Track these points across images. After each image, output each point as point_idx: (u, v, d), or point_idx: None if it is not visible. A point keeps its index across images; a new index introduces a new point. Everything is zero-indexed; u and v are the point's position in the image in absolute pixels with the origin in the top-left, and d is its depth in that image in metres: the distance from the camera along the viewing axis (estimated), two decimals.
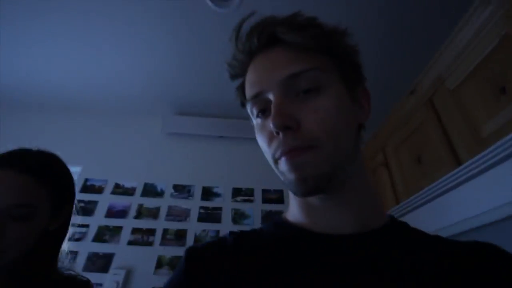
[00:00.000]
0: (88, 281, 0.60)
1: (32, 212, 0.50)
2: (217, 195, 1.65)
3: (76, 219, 0.64)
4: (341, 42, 0.36)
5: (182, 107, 1.87)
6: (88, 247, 1.41)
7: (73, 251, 0.63)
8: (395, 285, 0.29)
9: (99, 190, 1.61)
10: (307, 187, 0.31)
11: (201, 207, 1.59)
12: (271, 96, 0.33)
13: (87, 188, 1.60)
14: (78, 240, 1.41)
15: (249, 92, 0.36)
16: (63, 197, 0.58)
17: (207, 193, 1.65)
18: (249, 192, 1.66)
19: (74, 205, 0.63)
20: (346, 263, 0.31)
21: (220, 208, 1.59)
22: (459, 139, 0.90)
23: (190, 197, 1.63)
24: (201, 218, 1.56)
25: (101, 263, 1.37)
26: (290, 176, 0.32)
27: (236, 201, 1.63)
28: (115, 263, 1.38)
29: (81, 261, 1.37)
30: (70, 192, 0.61)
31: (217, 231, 1.51)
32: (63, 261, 0.61)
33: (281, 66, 0.33)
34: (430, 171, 1.03)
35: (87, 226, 1.44)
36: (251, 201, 1.63)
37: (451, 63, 0.95)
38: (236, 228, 1.52)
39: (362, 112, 0.37)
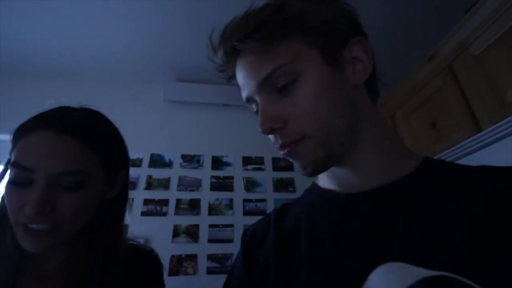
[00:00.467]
0: (152, 250, 0.58)
1: (83, 180, 0.43)
2: (228, 164, 1.64)
3: None
4: (307, 17, 0.35)
5: (184, 73, 1.76)
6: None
7: None
8: (391, 238, 0.30)
9: (138, 164, 1.56)
10: (308, 172, 0.35)
11: (212, 177, 1.59)
12: (258, 99, 0.36)
13: None
14: None
15: (242, 95, 0.38)
16: (116, 160, 0.51)
17: (217, 163, 1.64)
18: (259, 161, 1.67)
19: (128, 169, 0.55)
20: (360, 220, 0.34)
21: (231, 177, 1.60)
22: (481, 104, 0.94)
23: (200, 167, 1.61)
24: (214, 187, 1.56)
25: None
26: (295, 163, 0.36)
27: (247, 169, 1.64)
28: (131, 233, 1.38)
29: None
30: (123, 155, 0.54)
31: (231, 199, 1.54)
32: None
33: (253, 73, 0.35)
34: (446, 135, 1.08)
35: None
36: (262, 169, 1.64)
37: (477, 28, 0.95)
38: (249, 195, 1.56)
39: (356, 72, 0.37)
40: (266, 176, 1.63)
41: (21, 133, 0.43)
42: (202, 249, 1.40)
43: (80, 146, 0.43)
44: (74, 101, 0.53)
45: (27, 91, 1.61)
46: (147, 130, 1.69)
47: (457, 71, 1.05)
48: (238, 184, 1.59)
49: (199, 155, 1.65)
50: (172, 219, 1.45)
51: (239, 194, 1.56)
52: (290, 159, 0.36)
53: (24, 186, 0.40)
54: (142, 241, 1.35)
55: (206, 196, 1.54)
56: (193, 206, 1.50)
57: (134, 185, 1.51)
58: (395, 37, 1.52)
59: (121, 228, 0.53)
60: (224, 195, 1.55)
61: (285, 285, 0.35)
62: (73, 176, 0.42)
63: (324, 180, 0.42)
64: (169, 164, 1.61)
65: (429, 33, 1.44)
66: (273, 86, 0.34)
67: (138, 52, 1.57)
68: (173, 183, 1.55)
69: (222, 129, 1.76)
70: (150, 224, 1.42)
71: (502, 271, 0.24)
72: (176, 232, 1.42)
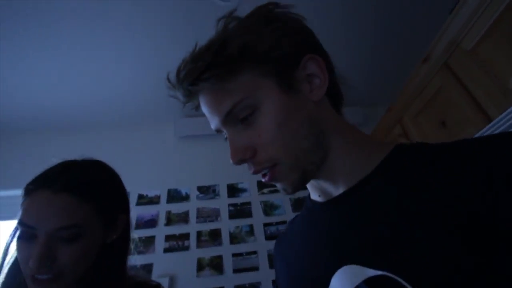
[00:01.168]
0: (158, 284, 0.60)
1: (79, 232, 0.48)
2: (243, 190, 1.65)
3: None
4: (252, 49, 0.36)
5: (191, 109, 1.85)
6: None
7: None
8: (351, 231, 0.33)
9: None
10: (289, 192, 0.37)
11: (229, 205, 1.59)
12: (224, 131, 0.38)
13: None
14: None
15: (211, 126, 0.40)
16: (113, 207, 0.55)
17: (233, 190, 1.65)
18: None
19: (128, 213, 0.60)
20: (320, 227, 0.38)
21: (248, 203, 1.60)
22: (485, 96, 0.94)
23: (217, 196, 1.62)
24: (232, 215, 1.56)
25: (142, 274, 1.36)
26: (277, 185, 0.38)
27: (263, 193, 1.63)
28: (156, 272, 1.37)
29: None
30: (120, 200, 0.59)
31: (251, 226, 1.52)
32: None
33: (215, 109, 0.37)
34: (458, 131, 1.07)
35: None
36: (278, 191, 1.64)
37: (464, 25, 0.99)
38: (269, 219, 1.55)
39: (313, 88, 0.38)
40: (283, 198, 1.62)
41: (25, 193, 0.49)
42: (229, 280, 1.37)
43: (76, 201, 0.48)
44: (85, 152, 0.59)
45: (39, 147, 1.73)
46: (162, 167, 1.74)
47: (454, 68, 1.07)
48: (256, 209, 1.58)
49: (214, 185, 1.67)
50: (195, 253, 1.44)
51: (258, 219, 1.55)
52: (272, 183, 0.38)
53: (30, 241, 0.46)
54: (167, 280, 1.33)
55: (226, 225, 1.53)
56: (214, 236, 1.49)
57: (154, 223, 1.53)
58: (388, 42, 1.57)
59: (124, 268, 0.57)
60: (244, 221, 1.54)
61: None
62: (69, 230, 0.47)
63: (310, 192, 0.45)
64: (186, 198, 1.63)
65: (419, 35, 1.49)
66: (236, 118, 0.36)
67: (147, 94, 1.68)
68: (192, 216, 1.56)
69: None
70: (174, 260, 1.41)
71: (434, 272, 0.25)
72: (200, 266, 1.40)
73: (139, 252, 1.43)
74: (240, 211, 1.57)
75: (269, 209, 1.58)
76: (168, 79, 0.39)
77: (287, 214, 1.56)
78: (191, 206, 1.60)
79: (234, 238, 1.48)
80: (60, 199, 0.47)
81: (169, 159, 1.78)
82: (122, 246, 0.57)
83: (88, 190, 0.50)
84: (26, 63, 1.38)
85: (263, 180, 0.38)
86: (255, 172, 0.37)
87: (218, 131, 0.40)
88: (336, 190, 0.38)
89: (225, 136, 0.39)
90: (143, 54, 1.44)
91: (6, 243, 0.49)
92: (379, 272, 0.27)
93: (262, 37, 0.36)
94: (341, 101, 0.44)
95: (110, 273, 0.53)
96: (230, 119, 0.36)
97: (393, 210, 0.30)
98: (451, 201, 0.27)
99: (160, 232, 1.50)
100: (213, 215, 1.56)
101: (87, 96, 1.63)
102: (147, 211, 1.57)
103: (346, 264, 0.31)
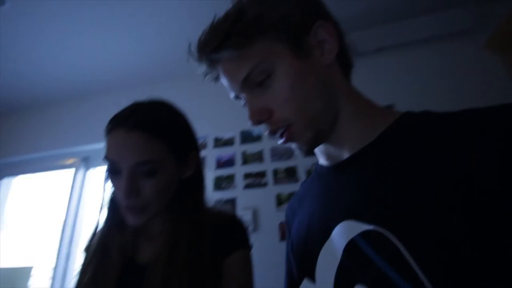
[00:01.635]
0: (234, 215, 0.64)
1: (155, 168, 0.52)
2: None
3: None
4: (266, 17, 0.39)
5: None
6: (212, 196, 1.54)
7: None
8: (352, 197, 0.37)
9: (203, 146, 1.71)
10: (304, 151, 0.41)
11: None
12: (243, 96, 0.42)
13: None
14: None
15: (230, 95, 0.45)
16: (183, 145, 0.58)
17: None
18: None
19: (198, 149, 0.63)
20: (327, 188, 0.43)
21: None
22: None
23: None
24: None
25: (227, 207, 1.50)
26: (292, 146, 0.42)
27: None
28: (239, 205, 1.49)
29: (208, 184, 1.52)
30: (189, 139, 0.61)
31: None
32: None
33: (233, 77, 0.40)
34: None
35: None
36: None
37: None
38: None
39: (324, 53, 0.40)
40: None
41: (106, 132, 0.54)
42: None
43: (147, 139, 0.51)
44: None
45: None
46: (233, 111, 1.74)
47: None
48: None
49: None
50: (272, 189, 1.49)
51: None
52: (288, 145, 0.42)
53: (117, 175, 0.52)
54: (250, 212, 1.44)
55: (302, 162, 1.49)
56: (291, 173, 1.49)
57: (232, 163, 1.61)
58: None
59: (201, 201, 0.62)
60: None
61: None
62: (146, 166, 0.51)
63: (319, 158, 0.48)
64: (258, 138, 1.63)
65: None
66: (253, 83, 0.39)
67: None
68: (267, 155, 1.58)
69: None
70: (254, 195, 1.50)
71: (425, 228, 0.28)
72: (279, 201, 1.45)
73: (223, 188, 1.56)
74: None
75: None
76: (189, 50, 0.43)
77: None
78: (265, 146, 1.60)
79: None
80: (134, 137, 0.50)
81: (238, 103, 1.76)
82: (197, 181, 0.62)
83: (158, 128, 0.53)
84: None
85: (279, 142, 0.41)
86: (271, 132, 0.41)
87: (237, 97, 0.44)
88: (342, 155, 0.41)
89: (243, 102, 0.43)
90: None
91: (104, 177, 0.56)
92: (371, 227, 0.32)
93: (275, 6, 0.39)
94: (350, 67, 0.46)
95: (188, 206, 0.58)
96: (247, 84, 0.39)
97: (390, 175, 0.33)
98: (449, 168, 0.29)
99: (239, 170, 1.58)
100: (288, 153, 1.53)
101: (158, 51, 1.66)
102: (225, 152, 1.65)
103: (346, 219, 0.36)
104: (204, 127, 1.73)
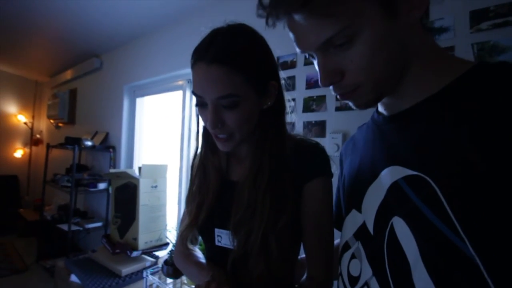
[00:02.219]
0: (317, 143, 0.65)
1: (236, 100, 0.53)
2: (442, 30, 1.14)
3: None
4: None
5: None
6: (301, 117, 1.51)
7: (289, 122, 0.68)
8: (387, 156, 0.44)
9: (292, 65, 1.60)
10: (361, 108, 0.44)
11: None
12: (315, 55, 0.41)
13: (282, 65, 1.61)
14: (290, 113, 1.54)
15: (296, 47, 0.44)
16: (262, 75, 0.57)
17: None
18: (505, 10, 1.01)
19: (280, 78, 0.63)
20: (381, 136, 0.47)
21: (451, 48, 1.11)
22: None
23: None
24: None
25: (317, 129, 1.45)
26: (348, 102, 0.45)
27: (480, 30, 1.06)
28: (329, 128, 1.42)
29: (299, 129, 1.51)
30: (268, 67, 0.60)
31: None
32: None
33: (312, 34, 0.38)
34: None
35: (293, 100, 1.51)
36: (507, 24, 1.01)
37: None
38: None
39: (412, 10, 0.37)
40: None
41: (191, 66, 0.56)
42: None
43: (227, 72, 0.51)
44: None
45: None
46: None
47: None
48: (463, 56, 1.09)
49: None
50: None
51: None
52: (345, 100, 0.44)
53: (203, 107, 0.56)
54: (340, 135, 1.36)
55: None
56: None
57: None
58: None
59: (283, 127, 0.64)
60: None
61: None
62: (227, 99, 0.53)
63: (378, 105, 0.50)
64: None
65: None
66: (332, 45, 0.38)
67: None
68: None
69: None
70: (345, 118, 1.38)
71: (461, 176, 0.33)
72: None
73: (312, 110, 1.49)
74: None
75: (487, 53, 1.04)
76: (261, 2, 0.41)
77: None
78: None
79: None
80: (213, 71, 0.51)
81: None
82: (278, 109, 0.63)
83: (237, 59, 0.52)
84: None
85: (338, 96, 0.44)
86: (337, 93, 0.43)
87: (308, 53, 0.43)
88: (401, 106, 0.43)
89: (313, 59, 0.44)
90: None
91: (196, 110, 0.63)
92: (415, 172, 0.37)
93: None
94: (428, 16, 0.47)
95: (269, 133, 0.61)
96: (326, 45, 0.38)
97: (439, 133, 0.37)
98: (495, 140, 0.31)
99: (330, 91, 1.44)
100: None
101: None
102: (315, 71, 1.50)
103: (393, 164, 0.41)
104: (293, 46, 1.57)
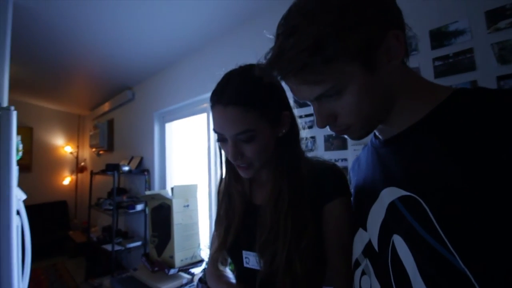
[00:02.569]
0: (334, 164, 0.69)
1: (252, 134, 0.59)
2: (458, 33, 1.13)
3: (302, 110, 0.70)
4: (347, 42, 0.39)
5: None
6: (321, 131, 1.53)
7: (311, 136, 0.73)
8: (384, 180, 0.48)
9: None
10: (355, 140, 0.50)
11: (435, 59, 1.18)
12: (311, 104, 0.47)
13: None
14: (310, 127, 1.56)
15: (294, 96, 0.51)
16: (275, 108, 0.63)
17: (439, 37, 1.17)
18: None
19: (290, 108, 0.68)
20: (378, 159, 0.51)
21: (469, 50, 1.10)
22: None
23: (414, 52, 1.24)
24: (441, 72, 1.16)
25: (338, 142, 1.46)
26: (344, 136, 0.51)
27: (498, 29, 1.03)
28: (350, 140, 1.42)
29: (320, 143, 1.53)
30: (279, 100, 0.66)
31: (473, 82, 1.08)
32: (306, 147, 0.73)
33: (305, 91, 0.44)
34: None
35: (311, 115, 1.54)
36: None
37: None
38: (508, 69, 1.03)
39: (391, 60, 0.42)
40: None
41: (210, 107, 0.62)
42: None
43: (242, 112, 0.57)
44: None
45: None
46: None
47: None
48: (483, 57, 1.06)
49: (409, 37, 1.26)
50: None
51: (487, 71, 1.05)
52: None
53: (224, 142, 0.62)
54: (361, 147, 1.35)
55: None
56: None
57: None
58: None
59: (298, 152, 0.68)
60: (461, 78, 1.11)
61: None
62: (244, 134, 0.58)
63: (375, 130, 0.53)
64: None
65: None
66: (323, 97, 0.43)
67: None
68: None
69: None
70: None
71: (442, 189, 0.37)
72: None
73: None
74: (453, 65, 1.13)
75: (509, 53, 1.00)
76: (258, 67, 0.47)
77: None
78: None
79: None
80: (230, 112, 0.58)
81: None
82: (292, 135, 0.68)
83: (250, 99, 0.58)
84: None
85: (336, 133, 0.50)
86: (333, 131, 0.49)
87: (306, 102, 0.48)
88: (392, 131, 0.48)
89: (310, 105, 0.48)
90: None
91: (218, 145, 0.69)
92: (408, 193, 0.41)
93: (354, 29, 0.39)
94: (408, 53, 0.48)
95: (285, 158, 0.66)
96: (319, 98, 0.44)
97: (426, 156, 0.41)
98: (477, 164, 0.35)
99: None
100: None
101: None
102: None
103: (390, 185, 0.45)
104: None
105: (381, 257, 0.45)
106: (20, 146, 1.36)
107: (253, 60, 0.71)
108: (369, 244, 0.49)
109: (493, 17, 1.04)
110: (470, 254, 0.33)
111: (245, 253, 0.68)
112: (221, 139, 0.62)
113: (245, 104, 0.57)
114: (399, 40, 0.41)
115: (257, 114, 0.58)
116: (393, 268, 0.42)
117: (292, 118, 0.68)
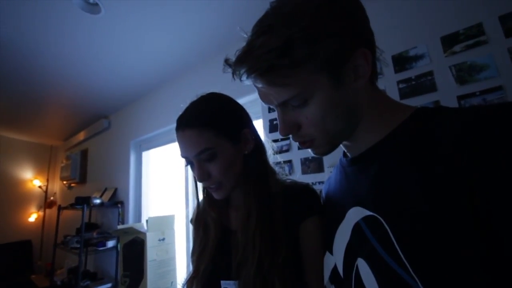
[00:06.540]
0: (307, 184, 0.67)
1: (213, 152, 0.60)
2: (418, 57, 1.19)
3: (277, 134, 0.67)
4: (315, 49, 0.39)
5: None
6: (298, 154, 1.52)
7: (287, 160, 0.73)
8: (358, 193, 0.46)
9: None
10: (320, 155, 0.49)
11: (399, 82, 1.23)
12: (276, 110, 0.46)
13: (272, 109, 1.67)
14: (286, 151, 1.55)
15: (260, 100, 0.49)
16: (231, 126, 0.64)
17: (401, 61, 1.24)
18: (474, 32, 1.06)
19: (250, 126, 0.69)
20: (345, 177, 0.51)
21: (429, 73, 1.16)
22: None
23: (380, 76, 1.29)
24: (404, 94, 1.21)
25: (314, 165, 1.44)
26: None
27: (454, 53, 1.11)
28: (326, 163, 1.41)
29: (297, 167, 1.51)
30: (237, 119, 0.67)
31: (436, 102, 1.13)
32: (283, 171, 0.73)
33: (270, 96, 0.44)
34: None
35: (288, 139, 1.53)
36: (483, 43, 1.05)
37: None
38: (467, 88, 1.07)
39: (357, 78, 0.42)
40: (494, 51, 1.02)
41: (176, 132, 0.65)
42: None
43: (197, 132, 0.59)
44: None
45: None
46: None
47: None
48: (443, 79, 1.12)
49: (378, 60, 1.32)
50: None
51: (448, 91, 1.10)
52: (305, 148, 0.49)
53: (192, 165, 0.63)
54: None
55: None
56: None
57: None
58: None
59: (266, 169, 0.68)
60: (424, 99, 1.16)
61: None
62: (204, 153, 0.60)
63: (343, 147, 0.53)
64: None
65: None
66: (289, 103, 0.43)
67: None
68: None
69: (389, 17, 1.28)
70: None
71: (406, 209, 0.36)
72: None
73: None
74: (415, 88, 1.18)
75: (466, 74, 1.07)
76: (227, 62, 0.47)
77: (502, 75, 0.99)
78: None
79: None
80: (187, 134, 0.60)
81: None
82: (258, 153, 0.68)
83: (204, 120, 0.61)
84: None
85: (300, 144, 0.48)
86: (295, 141, 0.48)
87: (272, 107, 0.48)
88: (358, 150, 0.47)
89: (271, 108, 0.52)
90: None
91: (185, 168, 0.69)
92: (371, 213, 0.40)
93: (324, 38, 0.39)
94: (377, 75, 0.48)
95: (252, 175, 0.65)
96: (284, 105, 0.44)
97: (389, 174, 0.40)
98: (438, 180, 0.33)
99: None
100: None
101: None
102: None
103: (356, 205, 0.44)
104: None
105: (344, 284, 0.43)
106: None
107: (228, 87, 0.72)
108: (334, 270, 0.47)
109: (449, 41, 1.12)
110: (430, 279, 0.31)
111: (223, 283, 0.63)
112: (189, 163, 0.64)
113: (199, 125, 0.60)
114: (367, 60, 0.41)
115: (213, 133, 0.60)
116: None
117: (255, 135, 0.68)
